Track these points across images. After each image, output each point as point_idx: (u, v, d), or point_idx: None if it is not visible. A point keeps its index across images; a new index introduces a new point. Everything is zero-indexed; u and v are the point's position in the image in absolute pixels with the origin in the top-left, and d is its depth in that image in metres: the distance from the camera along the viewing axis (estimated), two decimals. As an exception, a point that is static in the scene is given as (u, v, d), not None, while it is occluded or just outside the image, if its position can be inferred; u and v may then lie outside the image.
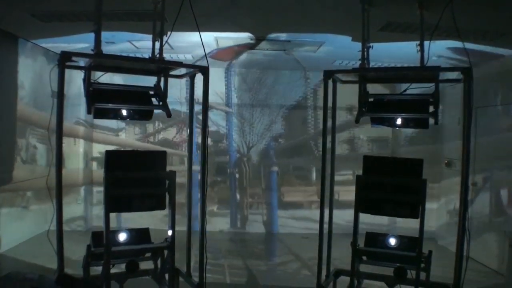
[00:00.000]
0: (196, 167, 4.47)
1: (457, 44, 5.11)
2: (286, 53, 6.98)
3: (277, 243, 8.14)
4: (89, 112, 3.74)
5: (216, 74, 7.74)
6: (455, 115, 6.84)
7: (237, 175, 8.85)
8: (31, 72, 6.91)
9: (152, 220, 6.23)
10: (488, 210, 6.56)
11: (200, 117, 4.58)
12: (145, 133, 8.99)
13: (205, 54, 4.19)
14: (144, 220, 5.92)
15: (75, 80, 6.40)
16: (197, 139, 8.48)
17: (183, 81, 7.73)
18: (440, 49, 5.79)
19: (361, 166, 4.09)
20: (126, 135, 8.85)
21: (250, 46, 6.56)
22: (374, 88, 4.38)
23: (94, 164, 8.52)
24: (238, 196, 8.82)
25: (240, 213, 8.82)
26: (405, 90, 4.22)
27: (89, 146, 8.43)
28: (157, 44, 3.99)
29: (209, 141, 6.67)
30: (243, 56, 7.50)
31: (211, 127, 6.51)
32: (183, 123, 8.76)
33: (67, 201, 6.80)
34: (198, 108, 4.65)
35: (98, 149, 8.44)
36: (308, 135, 8.96)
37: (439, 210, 8.01)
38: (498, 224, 6.29)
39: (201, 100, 4.23)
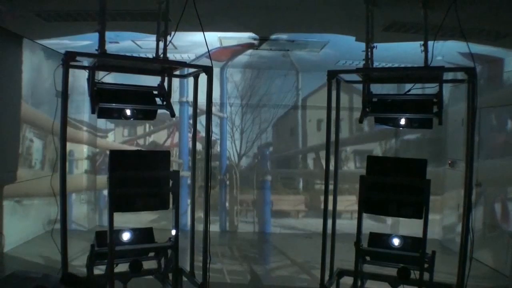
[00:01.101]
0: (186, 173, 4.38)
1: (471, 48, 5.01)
2: (284, 55, 6.99)
3: (270, 246, 8.04)
4: (93, 112, 3.75)
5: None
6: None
7: (227, 182, 8.73)
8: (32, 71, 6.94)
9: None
10: (492, 210, 6.54)
11: (191, 121, 4.58)
12: (135, 135, 8.81)
13: (209, 54, 4.19)
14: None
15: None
16: (189, 144, 8.40)
17: (177, 81, 7.66)
18: (450, 54, 5.75)
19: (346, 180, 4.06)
20: (115, 136, 8.70)
21: (253, 46, 6.56)
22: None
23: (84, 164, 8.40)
24: (227, 204, 8.72)
25: (229, 220, 8.71)
26: (409, 90, 4.22)
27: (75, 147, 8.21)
28: (161, 44, 3.99)
29: (199, 146, 6.65)
30: (238, 58, 7.52)
31: (203, 133, 6.33)
32: (175, 126, 8.64)
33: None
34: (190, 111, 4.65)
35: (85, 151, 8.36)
36: (298, 147, 8.92)
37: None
38: (502, 225, 6.27)
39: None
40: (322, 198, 4.37)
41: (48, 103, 6.96)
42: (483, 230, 6.57)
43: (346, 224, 6.81)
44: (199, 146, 6.01)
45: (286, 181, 8.96)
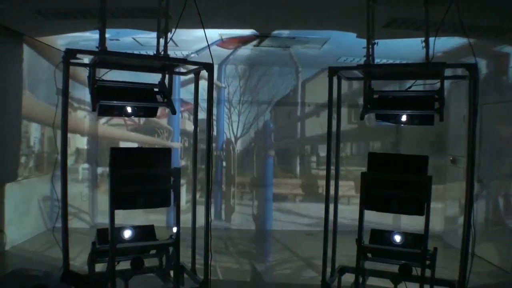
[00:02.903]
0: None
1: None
2: (284, 49, 6.95)
3: (271, 241, 7.94)
4: (93, 109, 3.74)
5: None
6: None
7: (224, 163, 8.41)
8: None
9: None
10: (494, 207, 6.53)
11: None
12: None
13: (210, 52, 4.17)
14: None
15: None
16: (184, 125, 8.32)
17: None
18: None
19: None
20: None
21: (254, 43, 6.54)
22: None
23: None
24: (224, 186, 8.38)
25: (226, 204, 8.37)
26: (410, 87, 4.20)
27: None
28: (162, 41, 3.98)
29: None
30: (239, 52, 7.44)
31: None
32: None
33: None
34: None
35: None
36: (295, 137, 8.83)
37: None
38: (503, 221, 6.26)
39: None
40: (319, 182, 4.30)
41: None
42: (486, 226, 6.55)
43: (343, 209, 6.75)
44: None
45: (285, 166, 8.73)
